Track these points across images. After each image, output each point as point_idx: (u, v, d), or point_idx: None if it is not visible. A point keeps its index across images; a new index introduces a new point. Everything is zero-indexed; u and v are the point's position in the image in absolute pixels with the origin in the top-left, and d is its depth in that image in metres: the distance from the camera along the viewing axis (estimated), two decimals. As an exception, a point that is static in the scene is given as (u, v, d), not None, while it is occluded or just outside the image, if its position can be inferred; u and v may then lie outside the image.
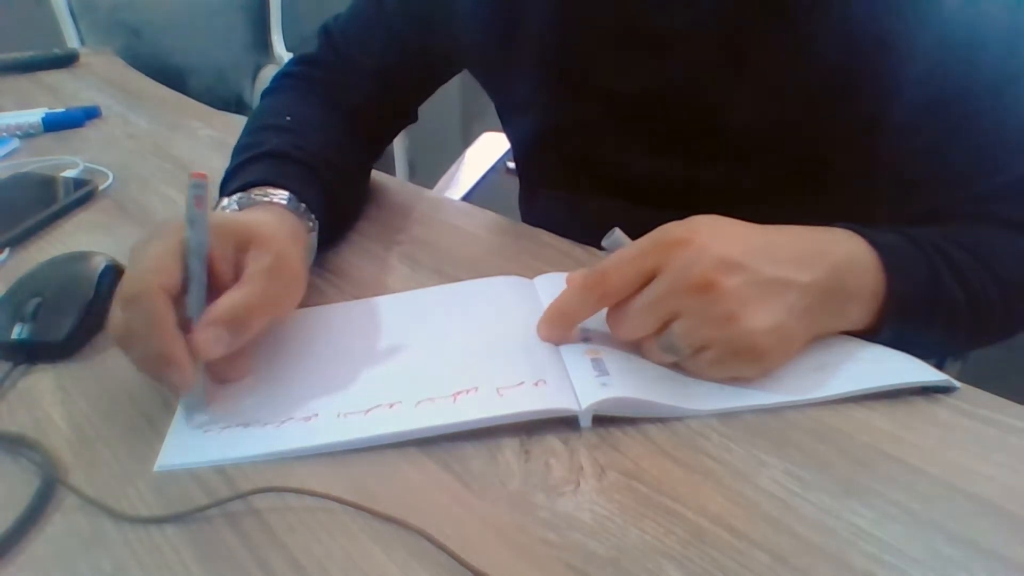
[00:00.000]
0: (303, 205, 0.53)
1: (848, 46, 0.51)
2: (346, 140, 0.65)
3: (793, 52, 0.52)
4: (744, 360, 0.41)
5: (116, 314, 0.41)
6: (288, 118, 0.63)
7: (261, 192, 0.52)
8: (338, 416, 0.41)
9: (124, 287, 0.40)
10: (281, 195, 0.53)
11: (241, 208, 0.51)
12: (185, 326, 0.40)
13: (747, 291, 0.40)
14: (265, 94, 0.71)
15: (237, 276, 0.43)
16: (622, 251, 0.43)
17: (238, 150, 0.60)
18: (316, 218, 0.54)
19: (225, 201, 0.52)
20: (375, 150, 0.73)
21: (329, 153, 0.61)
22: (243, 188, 0.53)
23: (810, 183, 0.58)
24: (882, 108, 0.52)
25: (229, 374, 0.44)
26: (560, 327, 0.45)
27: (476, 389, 0.42)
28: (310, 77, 0.71)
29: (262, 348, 0.48)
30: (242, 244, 0.44)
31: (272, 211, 0.51)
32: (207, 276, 0.42)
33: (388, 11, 0.68)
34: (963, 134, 0.50)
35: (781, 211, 0.46)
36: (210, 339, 0.40)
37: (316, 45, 0.72)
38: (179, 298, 0.41)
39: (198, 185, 0.40)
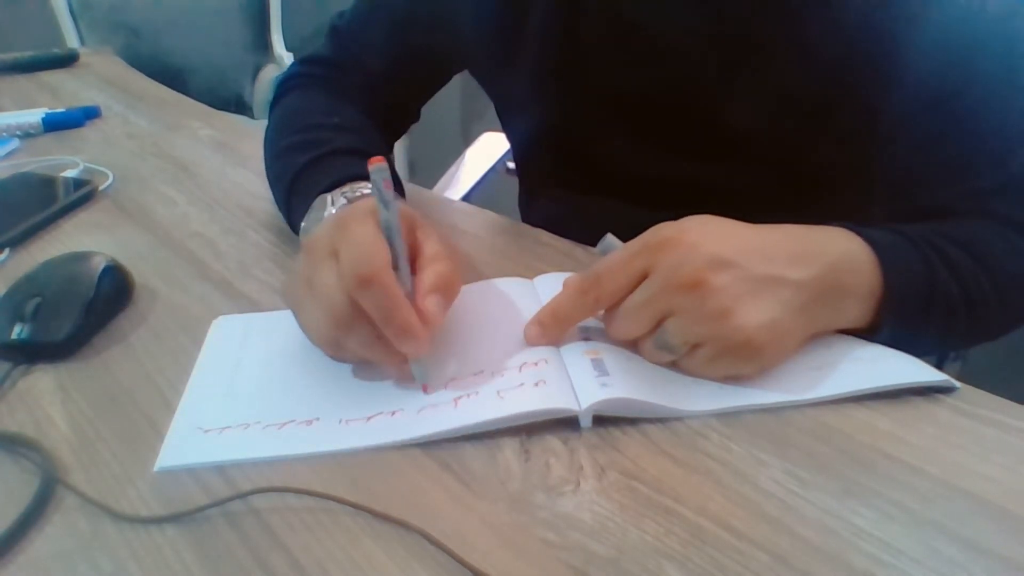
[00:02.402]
0: (398, 197, 0.55)
1: (846, 46, 0.51)
2: (380, 139, 0.66)
3: (791, 53, 0.52)
4: (740, 357, 0.41)
5: (342, 301, 0.40)
6: (336, 119, 0.64)
7: (362, 185, 0.54)
8: (340, 422, 0.41)
9: (355, 270, 0.40)
10: None
11: (350, 201, 0.52)
12: None
13: (738, 288, 0.40)
14: (285, 91, 0.72)
15: (412, 256, 0.45)
16: (615, 254, 0.43)
17: (295, 147, 0.61)
18: None
19: (330, 198, 0.53)
20: (391, 149, 0.74)
21: (382, 152, 0.62)
22: (338, 183, 0.54)
23: (809, 182, 0.58)
24: (880, 106, 0.52)
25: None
26: (553, 330, 0.45)
27: (476, 393, 0.42)
28: (326, 78, 0.71)
29: (263, 348, 0.48)
30: (410, 226, 0.46)
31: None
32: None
33: (393, 10, 0.68)
34: (960, 131, 0.51)
35: (780, 210, 0.46)
36: (435, 306, 0.42)
37: (327, 45, 0.72)
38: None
39: (382, 169, 0.41)
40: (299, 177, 0.58)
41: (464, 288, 0.53)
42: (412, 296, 0.42)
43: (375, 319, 0.40)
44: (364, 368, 0.45)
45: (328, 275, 0.41)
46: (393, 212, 0.42)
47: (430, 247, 0.45)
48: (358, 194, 0.53)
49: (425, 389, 0.43)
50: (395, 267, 0.41)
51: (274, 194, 0.64)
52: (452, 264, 0.44)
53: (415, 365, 0.43)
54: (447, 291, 0.43)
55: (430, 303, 0.42)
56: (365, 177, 0.54)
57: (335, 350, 0.43)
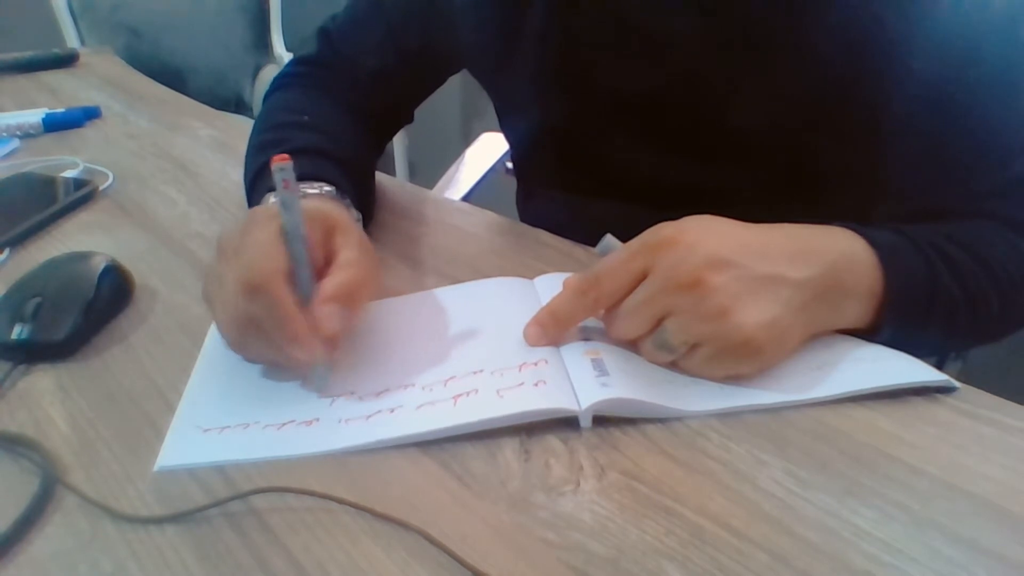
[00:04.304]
0: (347, 199, 0.55)
1: (848, 46, 0.51)
2: (358, 139, 0.66)
3: (793, 53, 0.52)
4: (739, 356, 0.41)
5: (235, 306, 0.41)
6: (305, 117, 0.64)
7: (308, 185, 0.54)
8: (339, 422, 0.41)
9: (243, 278, 0.40)
10: (327, 188, 0.54)
11: None
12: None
13: (737, 287, 0.40)
14: (269, 93, 0.72)
15: (327, 260, 0.45)
16: (614, 254, 0.43)
17: (261, 146, 0.61)
18: (358, 211, 0.57)
19: (271, 196, 0.53)
20: (379, 149, 0.73)
21: (350, 151, 0.62)
22: None
23: (810, 183, 0.58)
24: (882, 107, 0.52)
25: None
26: (553, 330, 0.45)
27: (476, 391, 0.42)
28: (312, 77, 0.71)
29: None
30: (328, 229, 0.46)
31: (328, 202, 0.52)
32: (309, 258, 0.43)
33: (387, 11, 0.68)
34: (961, 132, 0.51)
35: (780, 211, 0.46)
36: (330, 316, 0.41)
37: (315, 46, 0.72)
38: (291, 281, 0.42)
39: (284, 168, 0.40)
40: (257, 177, 0.58)
41: (463, 287, 0.54)
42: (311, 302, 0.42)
43: (264, 326, 0.40)
44: (362, 367, 0.45)
45: (230, 278, 0.41)
46: (294, 214, 0.41)
47: (345, 253, 0.44)
48: (303, 193, 0.53)
49: (321, 395, 0.43)
50: (295, 272, 0.41)
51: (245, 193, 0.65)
52: (362, 272, 0.44)
53: (313, 371, 0.43)
54: (349, 299, 0.42)
55: (324, 312, 0.41)
56: (312, 176, 0.54)
57: (241, 350, 0.44)
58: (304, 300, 0.41)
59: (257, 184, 0.58)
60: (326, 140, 0.61)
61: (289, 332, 0.40)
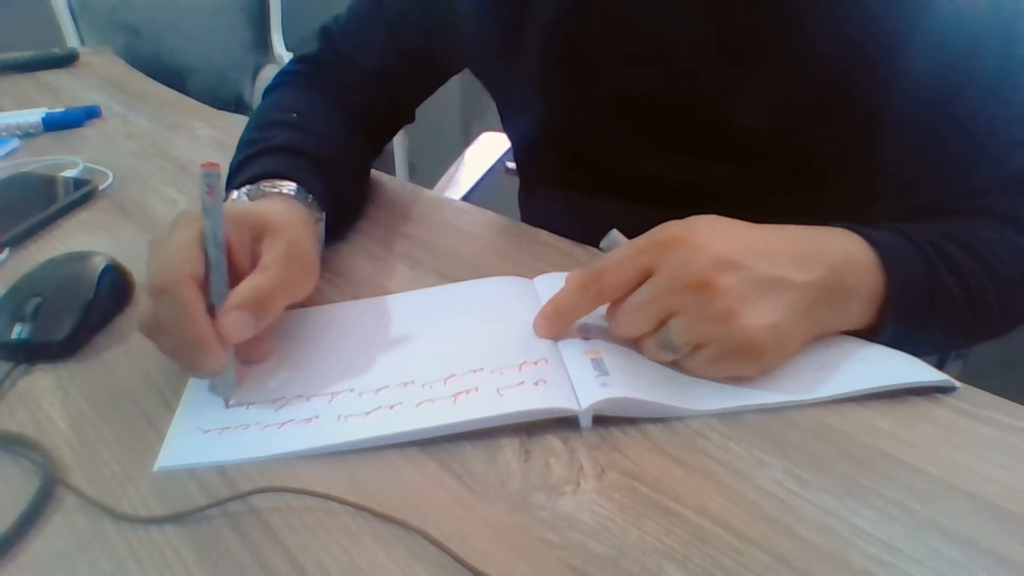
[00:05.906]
0: (310, 196, 0.55)
1: (849, 46, 0.51)
2: (349, 138, 0.66)
3: (794, 53, 0.52)
4: (742, 358, 0.41)
5: (145, 305, 0.41)
6: (294, 115, 0.64)
7: (270, 184, 0.54)
8: (339, 418, 0.41)
9: (152, 279, 0.41)
10: (289, 186, 0.54)
11: (251, 199, 0.52)
12: (210, 312, 0.41)
13: (744, 289, 0.40)
14: (267, 91, 0.72)
15: (254, 264, 0.45)
16: (619, 249, 0.43)
17: (243, 144, 0.61)
18: (322, 210, 0.56)
19: (235, 193, 0.53)
20: (375, 148, 0.73)
21: (334, 150, 0.62)
22: (251, 180, 0.54)
23: (810, 182, 0.58)
24: (882, 105, 0.53)
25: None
26: (556, 324, 0.45)
27: (476, 389, 0.42)
28: (311, 75, 0.71)
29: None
30: (257, 233, 0.46)
31: (282, 201, 0.52)
32: (226, 263, 0.43)
33: (388, 11, 0.68)
34: (960, 130, 0.51)
35: (781, 210, 0.46)
36: (235, 323, 0.41)
37: (316, 45, 0.72)
38: (204, 286, 0.42)
39: (209, 174, 0.40)
40: (234, 175, 0.58)
41: (463, 286, 0.54)
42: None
43: (170, 328, 0.41)
44: (363, 366, 0.45)
45: (146, 278, 0.42)
46: (215, 219, 0.41)
47: (266, 258, 0.44)
48: (261, 191, 0.53)
49: (226, 403, 0.43)
50: (210, 277, 0.42)
51: None
52: (276, 279, 0.43)
53: (217, 378, 0.43)
54: (258, 308, 0.42)
55: (229, 319, 0.41)
56: (278, 174, 0.54)
57: (157, 346, 0.44)
58: (216, 306, 0.42)
59: (232, 181, 0.58)
60: (306, 138, 0.60)
61: (192, 337, 0.40)
